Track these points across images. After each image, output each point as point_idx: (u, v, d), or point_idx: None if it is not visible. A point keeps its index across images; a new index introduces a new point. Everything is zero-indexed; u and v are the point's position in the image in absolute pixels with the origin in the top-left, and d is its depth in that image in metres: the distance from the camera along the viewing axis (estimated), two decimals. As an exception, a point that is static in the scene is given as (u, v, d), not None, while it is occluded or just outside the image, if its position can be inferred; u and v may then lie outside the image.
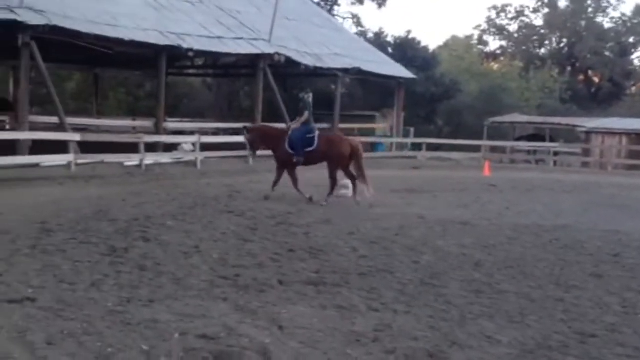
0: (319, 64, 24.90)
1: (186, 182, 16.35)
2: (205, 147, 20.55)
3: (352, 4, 44.95)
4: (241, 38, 22.68)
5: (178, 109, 35.33)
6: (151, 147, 19.32)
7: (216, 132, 26.29)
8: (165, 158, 19.74)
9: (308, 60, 24.43)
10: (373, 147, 27.11)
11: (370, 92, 33.54)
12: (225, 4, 24.80)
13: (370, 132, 29.44)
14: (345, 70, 26.43)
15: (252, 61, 23.78)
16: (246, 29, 23.54)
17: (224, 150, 21.20)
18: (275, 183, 14.08)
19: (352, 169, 13.93)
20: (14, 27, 16.33)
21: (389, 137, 29.35)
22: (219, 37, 21.92)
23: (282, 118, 24.33)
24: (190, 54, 20.87)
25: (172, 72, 28.43)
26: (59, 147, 16.94)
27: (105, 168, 17.44)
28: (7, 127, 20.12)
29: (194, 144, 20.48)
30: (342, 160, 13.96)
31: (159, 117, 21.00)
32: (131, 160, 18.18)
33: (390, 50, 35.93)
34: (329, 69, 25.70)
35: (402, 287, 7.06)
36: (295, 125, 14.46)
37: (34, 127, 18.53)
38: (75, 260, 7.64)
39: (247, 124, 15.38)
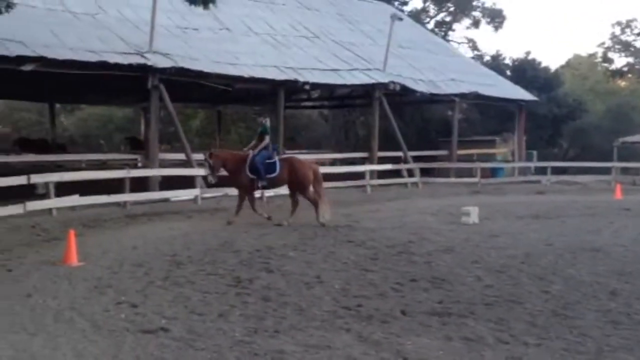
0: (434, 91, 24.69)
1: (305, 213, 16.53)
2: (323, 177, 20.76)
3: (467, 28, 44.55)
4: (356, 69, 22.95)
5: (295, 141, 36.15)
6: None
7: (333, 162, 26.62)
8: (284, 190, 20.10)
9: (423, 87, 24.30)
10: (493, 172, 26.39)
11: (489, 116, 32.82)
12: (340, 37, 25.25)
13: (491, 158, 28.69)
14: (462, 95, 26.02)
15: (367, 91, 23.97)
16: (361, 60, 23.81)
17: (342, 180, 21.37)
18: (239, 207, 14.45)
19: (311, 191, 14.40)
20: (143, 71, 17.39)
21: (510, 162, 28.47)
22: (334, 70, 22.30)
23: (398, 146, 24.31)
24: (307, 87, 21.33)
25: (290, 105, 29.16)
26: (187, 182, 17.74)
27: (229, 201, 18.01)
28: (139, 164, 21.37)
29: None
30: (306, 184, 14.44)
31: (278, 150, 21.50)
32: (254, 192, 18.66)
33: (508, 72, 35.05)
34: (445, 95, 25.41)
35: (532, 318, 6.75)
36: (255, 151, 14.42)
37: (163, 164, 19.55)
38: (204, 291, 7.93)
39: (212, 150, 15.40)
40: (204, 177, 17.47)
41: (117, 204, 15.96)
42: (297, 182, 14.47)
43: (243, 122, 45.03)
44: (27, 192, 14.56)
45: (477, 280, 8.58)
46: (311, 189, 14.42)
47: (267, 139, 14.48)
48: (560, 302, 7.43)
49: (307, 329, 6.35)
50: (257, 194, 15.35)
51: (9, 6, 11.52)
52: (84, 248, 10.11)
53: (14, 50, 14.90)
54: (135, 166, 23.15)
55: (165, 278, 8.66)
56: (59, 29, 17.24)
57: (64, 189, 14.87)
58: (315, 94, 28.30)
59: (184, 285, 8.24)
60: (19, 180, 13.89)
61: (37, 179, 14.33)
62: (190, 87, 20.02)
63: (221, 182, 18.23)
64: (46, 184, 14.73)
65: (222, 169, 14.47)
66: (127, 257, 10.17)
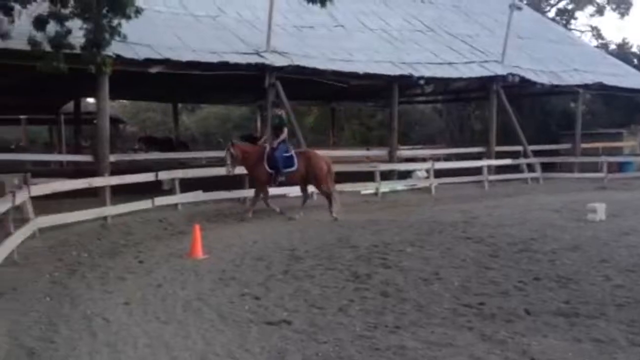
0: (556, 82, 23.66)
1: (421, 209, 16.41)
2: (439, 173, 20.52)
3: (591, 15, 42.29)
4: (473, 62, 22.41)
5: (409, 136, 35.84)
6: (385, 175, 19.77)
7: (448, 157, 26.17)
8: (400, 185, 20.06)
9: (544, 79, 23.34)
10: (621, 166, 24.94)
11: (615, 107, 31.04)
12: (456, 30, 24.77)
13: (617, 151, 27.12)
14: (586, 86, 24.76)
15: (484, 84, 23.35)
16: (478, 52, 23.23)
17: (458, 175, 20.99)
18: (254, 203, 14.38)
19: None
20: (261, 70, 17.85)
21: (638, 156, 26.80)
22: (450, 63, 21.89)
23: (517, 140, 23.53)
24: (422, 81, 21.06)
25: (403, 101, 28.95)
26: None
27: (344, 196, 18.15)
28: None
29: (427, 171, 20.55)
30: (322, 177, 14.24)
31: (392, 146, 21.43)
32: (367, 188, 18.75)
33: (635, 61, 33.03)
34: (567, 86, 24.29)
35: (668, 320, 6.34)
36: (273, 144, 14.07)
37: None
38: (322, 285, 8.04)
39: (234, 141, 14.82)
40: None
41: (237, 199, 16.47)
42: (314, 176, 14.34)
43: (357, 118, 45.22)
44: (154, 188, 15.31)
45: (606, 280, 8.15)
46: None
47: (285, 132, 14.25)
48: (702, 304, 6.93)
49: (428, 325, 6.29)
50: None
51: (138, 11, 12.14)
52: (207, 242, 10.52)
53: (142, 54, 15.71)
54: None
55: (285, 272, 8.85)
56: (182, 32, 18.01)
57: (187, 185, 15.53)
58: (429, 88, 27.86)
59: (303, 279, 8.39)
60: (148, 177, 14.63)
61: (163, 175, 15.06)
62: (305, 84, 20.29)
63: (337, 178, 18.47)
64: (171, 180, 15.46)
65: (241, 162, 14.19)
66: (248, 250, 10.50)
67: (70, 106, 32.36)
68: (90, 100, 34.59)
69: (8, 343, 5.71)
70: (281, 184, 14.82)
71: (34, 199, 10.80)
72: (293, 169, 14.11)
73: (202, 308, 7.03)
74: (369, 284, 8.07)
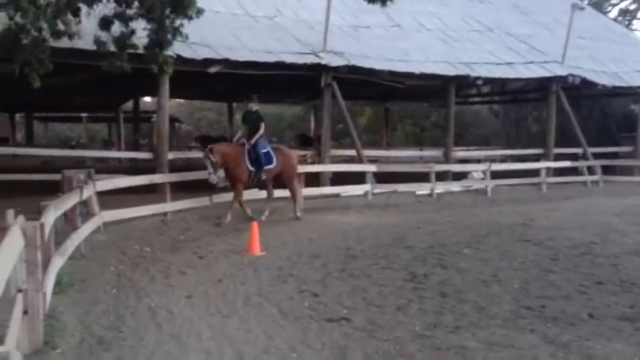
0: (617, 83, 23.06)
1: (477, 210, 16.25)
2: (495, 174, 20.28)
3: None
4: (532, 62, 22.03)
5: (463, 138, 35.50)
6: (440, 176, 19.64)
7: (504, 159, 25.81)
8: (455, 186, 19.90)
9: (605, 80, 22.79)
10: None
11: (681, 110, 30.04)
12: (515, 30, 24.39)
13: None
14: (650, 88, 24.06)
15: (542, 85, 22.95)
16: (537, 52, 22.82)
17: (515, 177, 20.69)
18: (241, 205, 13.52)
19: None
20: (317, 69, 17.96)
21: None
22: (508, 63, 21.58)
23: (576, 142, 23.05)
24: (479, 82, 20.83)
25: (458, 101, 28.70)
26: (356, 178, 18.08)
27: (398, 197, 18.14)
28: (309, 160, 22.04)
29: (483, 172, 20.31)
30: (294, 174, 14.16)
31: (447, 146, 21.27)
32: (422, 189, 18.66)
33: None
34: (629, 88, 23.65)
35: None
36: (252, 140, 13.34)
37: (333, 160, 20.04)
38: (380, 284, 8.06)
39: (210, 145, 13.60)
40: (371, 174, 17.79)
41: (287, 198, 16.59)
42: (289, 173, 14.10)
43: (410, 118, 45.03)
44: (209, 185, 15.45)
45: (672, 286, 7.94)
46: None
47: (262, 127, 13.52)
48: None
49: (489, 326, 6.25)
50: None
51: (199, 12, 12.38)
52: (264, 239, 10.64)
53: (201, 54, 16.01)
54: (305, 162, 23.95)
55: (342, 270, 8.91)
56: (240, 32, 18.26)
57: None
58: (485, 88, 27.55)
59: (360, 278, 8.43)
60: (206, 174, 14.84)
61: (221, 173, 15.25)
62: (360, 84, 20.32)
63: (390, 178, 18.48)
64: (221, 178, 15.79)
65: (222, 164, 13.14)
66: (304, 249, 10.59)
67: (129, 105, 33.23)
68: (148, 99, 35.54)
69: (80, 331, 5.93)
70: (274, 185, 14.52)
71: (97, 194, 11.14)
72: (272, 165, 13.65)
73: (262, 303, 7.15)
74: (427, 284, 8.06)
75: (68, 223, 8.71)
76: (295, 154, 15.10)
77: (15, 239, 4.27)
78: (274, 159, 13.65)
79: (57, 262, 6.71)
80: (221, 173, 13.18)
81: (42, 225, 4.96)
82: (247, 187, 13.86)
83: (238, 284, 8.08)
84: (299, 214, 13.99)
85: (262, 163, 13.34)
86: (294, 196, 14.18)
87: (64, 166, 12.43)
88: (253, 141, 13.29)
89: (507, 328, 6.21)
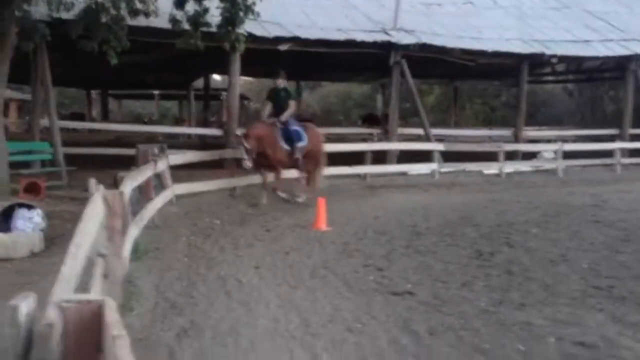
0: (703, 62, 21.99)
1: (547, 190, 15.95)
2: (567, 154, 19.79)
3: None
4: (610, 40, 21.25)
5: (534, 117, 34.66)
6: (509, 156, 19.31)
7: (576, 139, 25.09)
8: (524, 166, 19.54)
9: (689, 59, 21.77)
10: None
11: None
12: (593, 7, 23.53)
13: None
14: None
15: (620, 63, 22.13)
16: (616, 30, 21.98)
17: (588, 158, 20.13)
18: (274, 189, 12.68)
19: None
20: (387, 47, 17.88)
21: None
22: (585, 41, 20.89)
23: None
24: (554, 60, 20.26)
25: (531, 80, 28.02)
26: (423, 157, 18.01)
27: (466, 176, 17.98)
28: (375, 139, 22.01)
29: (555, 152, 19.85)
30: (320, 153, 13.23)
31: (518, 126, 20.85)
32: (491, 168, 18.42)
33: None
34: None
35: None
36: (281, 119, 12.41)
37: (400, 139, 19.98)
38: (445, 261, 8.08)
39: (245, 130, 12.74)
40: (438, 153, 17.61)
41: (358, 175, 16.70)
42: (317, 152, 13.09)
43: (479, 97, 44.26)
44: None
45: None
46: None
47: (293, 105, 12.77)
48: None
49: (555, 304, 6.20)
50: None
51: (270, -10, 12.53)
52: (329, 215, 10.76)
53: (272, 31, 16.19)
54: (371, 140, 23.90)
55: (407, 246, 8.97)
56: (310, 10, 18.34)
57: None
58: (560, 67, 26.76)
59: (425, 254, 8.47)
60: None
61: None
62: (429, 63, 20.12)
63: (458, 157, 18.30)
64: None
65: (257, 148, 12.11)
66: (370, 225, 10.69)
67: (199, 83, 33.91)
68: (217, 77, 36.15)
69: (155, 296, 6.23)
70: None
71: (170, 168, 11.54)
72: (304, 143, 12.70)
73: (328, 276, 7.29)
74: (493, 262, 8.03)
75: (143, 194, 9.07)
76: (321, 132, 14.30)
77: (97, 206, 4.53)
78: (305, 137, 12.84)
79: (134, 231, 7.04)
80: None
81: (122, 194, 5.23)
82: (285, 168, 13.09)
83: (304, 257, 8.25)
84: (303, 197, 12.84)
85: (295, 141, 12.58)
86: (310, 177, 13.17)
87: (137, 141, 12.91)
88: (284, 118, 12.47)
89: (574, 307, 6.15)
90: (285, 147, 12.42)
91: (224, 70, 23.94)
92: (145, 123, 35.89)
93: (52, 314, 1.62)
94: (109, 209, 4.94)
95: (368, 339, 5.25)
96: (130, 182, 6.79)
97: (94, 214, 4.19)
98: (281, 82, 12.84)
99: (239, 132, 12.95)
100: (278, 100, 12.64)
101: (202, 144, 22.13)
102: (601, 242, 9.31)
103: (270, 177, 12.61)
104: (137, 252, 7.07)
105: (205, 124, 31.00)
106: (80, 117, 35.82)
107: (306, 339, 5.25)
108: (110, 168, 13.53)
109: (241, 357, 4.78)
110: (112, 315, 1.64)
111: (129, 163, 10.50)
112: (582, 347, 5.00)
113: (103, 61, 12.54)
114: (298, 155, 12.67)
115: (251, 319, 5.68)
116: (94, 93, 41.83)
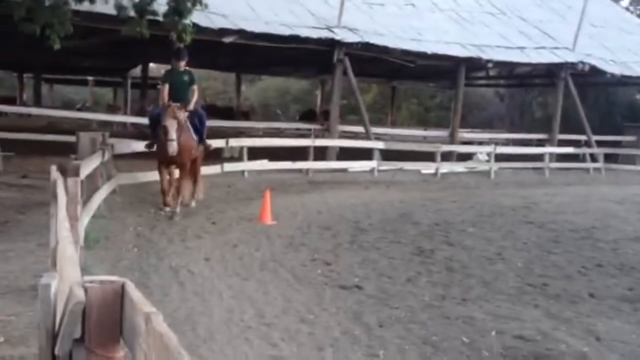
0: (626, 72, 23.22)
1: (481, 192, 16.55)
2: (498, 157, 20.55)
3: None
4: (543, 47, 22.16)
5: (466, 119, 35.68)
6: (445, 156, 19.88)
7: (506, 142, 26.03)
8: (459, 167, 20.16)
9: (614, 69, 22.92)
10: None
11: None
12: (527, 14, 24.44)
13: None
14: (657, 79, 24.24)
15: (550, 70, 23.11)
16: (548, 38, 22.94)
17: (519, 161, 20.96)
18: (178, 191, 10.66)
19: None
20: (331, 45, 18.10)
21: None
22: (519, 47, 21.71)
23: (579, 129, 23.29)
24: (490, 65, 20.99)
25: (465, 83, 28.86)
26: (362, 154, 18.31)
27: (404, 175, 18.41)
28: (313, 135, 22.19)
29: (488, 154, 20.58)
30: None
31: (454, 127, 21.49)
32: (428, 168, 18.93)
33: None
34: (637, 77, 23.80)
35: None
36: (192, 107, 10.37)
37: (340, 136, 20.24)
38: (389, 257, 8.39)
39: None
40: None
41: (299, 170, 16.87)
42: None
43: (416, 98, 45.14)
44: (217, 155, 15.58)
45: (670, 272, 8.27)
46: None
47: (196, 91, 10.70)
48: None
49: (494, 300, 6.57)
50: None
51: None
52: (274, 209, 10.90)
53: (217, 23, 16.14)
54: (308, 136, 24.09)
55: (351, 242, 9.23)
56: (255, 3, 18.31)
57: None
58: (493, 71, 27.67)
59: (370, 250, 8.75)
60: (218, 143, 15.06)
61: (233, 143, 15.56)
62: (369, 61, 20.45)
63: (396, 156, 18.71)
64: (232, 148, 16.04)
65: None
66: (313, 220, 10.89)
67: (136, 71, 33.32)
68: (153, 65, 35.56)
69: (108, 285, 6.23)
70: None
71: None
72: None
73: (278, 269, 7.46)
74: (434, 259, 8.38)
75: (90, 183, 8.97)
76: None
77: (61, 194, 4.55)
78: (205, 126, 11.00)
79: (84, 219, 7.00)
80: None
81: (82, 182, 5.23)
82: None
83: (253, 249, 8.38)
84: (194, 202, 11.19)
85: (203, 132, 10.83)
86: (195, 180, 11.18)
87: (70, 128, 12.64)
88: (192, 107, 10.36)
89: (511, 302, 6.54)
90: (195, 138, 10.52)
91: (163, 59, 23.71)
92: (78, 109, 34.95)
93: (80, 293, 1.73)
94: (69, 197, 4.95)
95: (322, 329, 5.45)
96: (85, 170, 6.76)
97: (62, 202, 4.22)
98: (182, 64, 10.61)
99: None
100: (178, 84, 10.44)
101: (138, 133, 21.78)
102: (533, 242, 9.84)
103: (175, 176, 10.68)
104: (88, 241, 7.03)
105: (141, 112, 30.47)
106: (10, 101, 34.55)
107: (262, 329, 5.41)
108: (46, 155, 13.32)
109: (201, 346, 4.89)
110: (136, 294, 1.76)
111: (65, 150, 10.35)
112: (521, 340, 5.35)
113: (40, 44, 12.22)
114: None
115: (206, 309, 5.79)
116: (26, 77, 40.42)
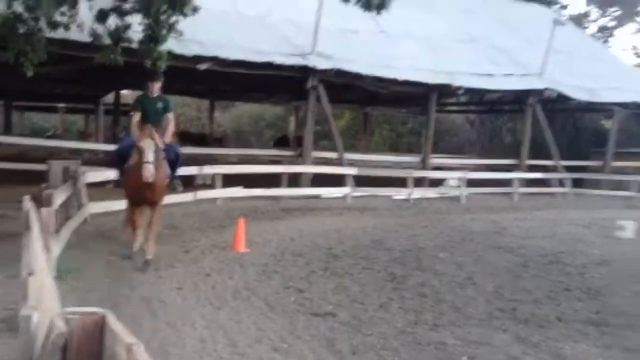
0: (592, 99, 23.78)
1: (452, 217, 16.74)
2: (469, 182, 20.83)
3: (632, 34, 42.27)
4: (512, 74, 22.63)
5: (438, 145, 36.11)
6: (417, 182, 20.08)
7: (476, 168, 26.39)
8: (431, 193, 20.39)
9: (581, 95, 23.46)
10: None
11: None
12: (497, 41, 24.91)
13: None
14: (623, 105, 24.84)
15: (519, 97, 23.59)
16: (517, 64, 23.43)
17: (488, 186, 21.26)
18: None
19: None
20: (304, 71, 18.29)
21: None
22: (489, 74, 22.13)
23: (547, 154, 23.75)
24: (460, 91, 21.36)
25: (436, 109, 29.26)
26: (335, 180, 18.45)
27: (376, 201, 18.56)
28: (286, 162, 22.25)
29: (459, 180, 20.85)
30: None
31: (426, 153, 21.77)
32: (400, 194, 19.11)
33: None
34: (603, 104, 24.40)
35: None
36: (168, 139, 9.11)
37: (313, 162, 20.36)
38: (362, 283, 8.47)
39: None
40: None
41: (273, 197, 16.92)
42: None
43: (387, 124, 45.59)
44: (186, 182, 15.55)
45: (635, 295, 8.47)
46: None
47: (172, 120, 9.48)
48: None
49: (466, 326, 6.67)
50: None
51: (195, 9, 12.61)
52: (247, 236, 10.92)
53: (192, 50, 16.23)
54: (280, 163, 24.14)
55: (324, 268, 9.29)
56: (230, 30, 18.42)
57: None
58: (463, 98, 28.14)
59: (343, 276, 8.82)
60: (190, 170, 15.08)
61: (208, 170, 15.59)
62: (342, 88, 20.67)
63: (369, 182, 18.88)
64: (205, 176, 16.07)
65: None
66: (287, 247, 10.94)
67: (108, 98, 33.22)
68: (125, 92, 35.49)
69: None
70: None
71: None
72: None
73: (251, 297, 7.48)
74: (406, 285, 8.48)
75: (62, 214, 8.93)
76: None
77: (35, 225, 4.56)
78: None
79: (55, 250, 6.98)
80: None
81: (55, 212, 5.25)
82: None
83: (226, 278, 8.40)
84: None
85: (177, 167, 9.69)
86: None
87: (40, 156, 12.57)
88: (169, 139, 9.16)
89: (482, 327, 6.65)
90: (169, 171, 9.28)
91: (136, 86, 23.69)
92: (49, 137, 34.64)
93: (61, 325, 1.78)
94: (42, 226, 4.96)
95: (295, 358, 5.49)
96: (58, 200, 6.76)
97: (35, 232, 4.24)
98: (157, 86, 9.51)
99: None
100: (151, 112, 9.30)
101: (110, 160, 21.61)
102: (503, 267, 10.00)
103: (147, 214, 9.13)
104: (59, 272, 6.99)
105: (114, 140, 30.29)
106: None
107: (234, 358, 5.42)
108: (16, 184, 13.20)
109: (174, 376, 4.90)
110: (117, 326, 1.82)
111: (35, 179, 10.29)
112: (491, 365, 5.44)
113: (13, 71, 12.20)
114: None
115: (179, 339, 5.79)
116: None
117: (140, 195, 8.74)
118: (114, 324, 1.81)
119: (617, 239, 13.42)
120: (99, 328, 1.89)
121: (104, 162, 20.86)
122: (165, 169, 9.06)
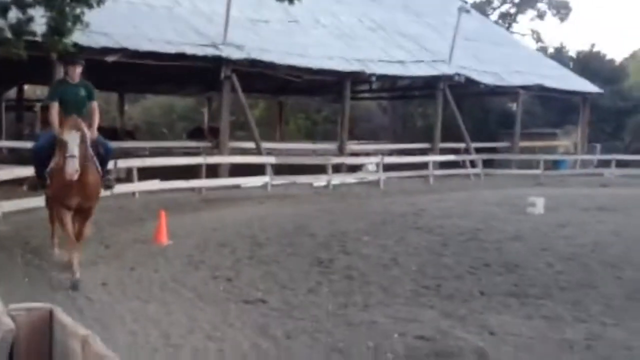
0: (499, 82, 24.76)
1: (371, 201, 17.04)
2: (385, 167, 21.25)
3: (532, 20, 44.11)
4: (421, 61, 23.21)
5: (352, 132, 36.55)
6: (335, 168, 20.31)
7: (392, 152, 26.96)
8: (350, 178, 20.67)
9: (487, 79, 24.39)
10: (555, 164, 26.31)
11: (550, 108, 32.56)
12: (406, 29, 25.50)
13: (552, 150, 28.57)
14: (526, 87, 25.99)
15: (429, 82, 24.23)
16: (426, 51, 24.06)
17: (404, 170, 21.77)
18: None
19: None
20: (217, 62, 18.08)
21: (572, 155, 28.27)
22: (400, 61, 22.62)
23: (457, 137, 24.55)
24: (373, 78, 21.71)
25: (350, 97, 29.65)
26: (254, 170, 18.39)
27: (296, 188, 18.65)
28: (203, 153, 22.00)
29: (377, 165, 21.23)
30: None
31: (342, 140, 22.02)
32: (319, 180, 19.27)
33: (571, 65, 34.66)
34: (509, 87, 25.44)
35: (607, 300, 7.09)
36: (96, 132, 8.00)
37: (231, 152, 20.21)
38: (289, 269, 8.51)
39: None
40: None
41: (192, 189, 16.70)
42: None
43: (303, 112, 45.75)
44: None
45: (548, 267, 8.89)
46: None
47: (97, 109, 8.26)
48: (634, 287, 7.71)
49: (394, 304, 6.85)
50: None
51: (101, 1, 12.24)
52: (169, 229, 10.74)
53: (99, 42, 15.73)
54: (198, 154, 23.81)
55: (250, 257, 9.28)
56: (138, 21, 18.01)
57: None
58: (376, 85, 28.62)
59: (269, 264, 8.84)
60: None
61: (122, 164, 15.17)
62: (255, 77, 20.60)
63: (288, 170, 18.95)
64: (120, 170, 15.67)
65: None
66: (210, 237, 10.83)
67: (11, 93, 31.74)
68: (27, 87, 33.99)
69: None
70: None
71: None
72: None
73: (179, 289, 7.39)
74: (333, 269, 8.59)
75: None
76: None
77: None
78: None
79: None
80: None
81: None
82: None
83: (151, 271, 8.25)
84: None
85: (107, 161, 8.77)
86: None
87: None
88: (96, 131, 8.02)
89: (410, 305, 6.84)
90: (99, 169, 8.10)
91: (40, 80, 22.74)
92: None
93: (9, 321, 1.72)
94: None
95: (230, 346, 5.47)
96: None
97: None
98: (78, 71, 8.13)
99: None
100: (72, 100, 7.96)
101: (17, 157, 20.71)
102: (424, 247, 10.28)
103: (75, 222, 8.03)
104: (-27, 274, 6.68)
105: (19, 136, 28.98)
106: None
107: (169, 350, 5.35)
108: None
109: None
110: (67, 319, 1.77)
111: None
112: (422, 340, 5.62)
113: None
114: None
115: (110, 335, 5.64)
116: None
117: (70, 201, 7.58)
118: (63, 317, 1.76)
119: (528, 215, 14.04)
120: (47, 323, 1.83)
121: (9, 159, 20.02)
122: (96, 167, 7.89)
